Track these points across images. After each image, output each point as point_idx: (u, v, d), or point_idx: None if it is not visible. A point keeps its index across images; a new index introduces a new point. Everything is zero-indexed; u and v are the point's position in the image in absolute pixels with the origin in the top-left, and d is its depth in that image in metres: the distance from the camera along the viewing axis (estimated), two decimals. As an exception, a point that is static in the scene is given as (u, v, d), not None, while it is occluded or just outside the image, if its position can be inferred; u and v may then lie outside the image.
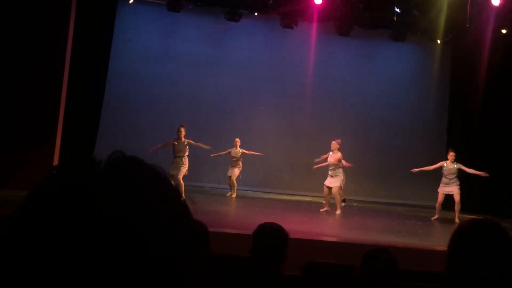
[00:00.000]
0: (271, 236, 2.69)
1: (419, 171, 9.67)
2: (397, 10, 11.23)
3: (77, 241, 0.52)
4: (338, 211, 9.07)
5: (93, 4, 10.57)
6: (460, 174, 9.49)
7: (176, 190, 0.63)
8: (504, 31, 11.06)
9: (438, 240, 6.92)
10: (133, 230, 0.54)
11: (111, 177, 0.57)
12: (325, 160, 9.45)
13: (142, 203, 0.57)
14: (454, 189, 9.35)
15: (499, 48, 11.25)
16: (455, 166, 9.39)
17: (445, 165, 9.46)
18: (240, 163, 10.51)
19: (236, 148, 10.53)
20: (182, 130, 9.20)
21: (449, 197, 9.62)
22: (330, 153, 9.36)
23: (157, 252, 0.55)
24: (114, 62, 11.59)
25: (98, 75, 11.23)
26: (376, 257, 2.92)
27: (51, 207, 0.53)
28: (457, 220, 8.95)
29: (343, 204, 9.87)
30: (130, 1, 11.96)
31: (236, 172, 10.44)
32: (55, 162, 9.03)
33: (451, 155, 9.49)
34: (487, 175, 9.28)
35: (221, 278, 2.69)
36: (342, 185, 9.37)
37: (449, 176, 9.38)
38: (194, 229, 0.64)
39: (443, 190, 9.43)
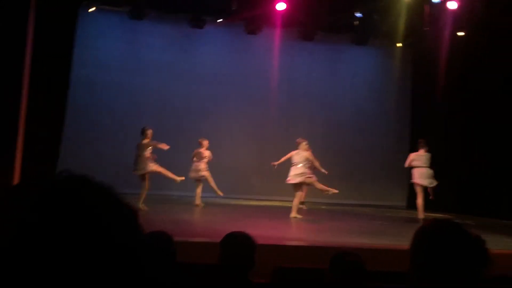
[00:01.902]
0: (238, 245, 2.68)
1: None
2: (358, 14, 11.46)
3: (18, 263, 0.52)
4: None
5: (52, 13, 10.35)
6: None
7: (126, 206, 0.63)
8: (461, 33, 11.42)
9: (406, 239, 7.04)
10: (78, 248, 0.54)
11: (58, 200, 0.58)
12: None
13: (88, 222, 0.56)
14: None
15: (457, 50, 11.61)
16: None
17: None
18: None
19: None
20: (148, 131, 9.22)
21: (414, 196, 9.80)
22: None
23: (105, 265, 0.55)
24: (76, 71, 11.37)
25: (60, 84, 10.99)
26: (344, 260, 2.95)
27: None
28: (422, 216, 9.11)
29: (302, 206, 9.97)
30: (90, 10, 11.77)
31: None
32: (17, 172, 8.82)
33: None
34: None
35: (188, 286, 2.66)
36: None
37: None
38: (143, 243, 0.64)
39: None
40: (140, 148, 9.19)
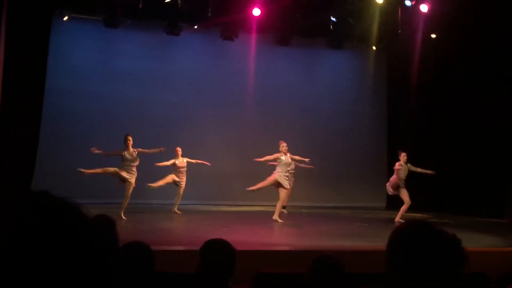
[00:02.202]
0: (218, 252, 2.68)
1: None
2: (333, 18, 11.59)
3: None
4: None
5: (24, 23, 10.21)
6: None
7: (86, 220, 0.65)
8: (433, 35, 11.65)
9: (385, 240, 7.11)
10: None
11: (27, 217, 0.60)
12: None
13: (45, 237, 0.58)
14: (405, 190, 9.65)
15: (430, 52, 11.84)
16: (407, 166, 9.68)
17: (401, 166, 9.61)
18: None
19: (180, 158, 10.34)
20: (130, 139, 9.10)
21: (393, 197, 9.95)
22: (288, 154, 9.43)
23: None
24: (50, 81, 11.21)
25: (34, 93, 10.83)
26: (324, 263, 2.98)
27: None
28: (398, 219, 9.19)
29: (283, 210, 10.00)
30: (65, 18, 11.64)
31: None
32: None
33: (403, 155, 9.71)
34: (433, 173, 9.67)
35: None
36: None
37: (404, 176, 9.65)
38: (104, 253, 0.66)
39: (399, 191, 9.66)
40: (131, 157, 9.13)
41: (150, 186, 9.72)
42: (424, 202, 11.58)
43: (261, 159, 9.40)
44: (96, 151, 9.04)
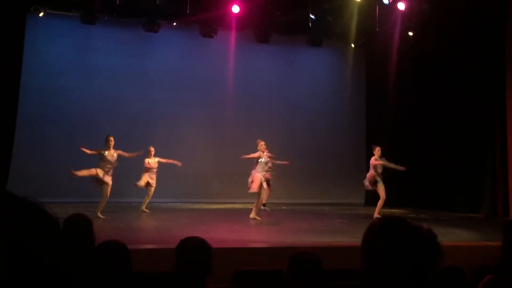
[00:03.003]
0: (193, 250, 2.66)
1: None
2: (312, 16, 11.62)
3: None
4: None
5: (-1, 18, 10.00)
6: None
7: (50, 219, 0.64)
8: (410, 33, 11.78)
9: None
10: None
11: None
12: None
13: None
14: (382, 185, 9.74)
15: (407, 49, 11.97)
16: (382, 160, 9.76)
17: (377, 160, 9.66)
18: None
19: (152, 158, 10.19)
20: (111, 139, 9.01)
21: (371, 193, 10.04)
22: (265, 153, 9.38)
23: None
24: (25, 78, 11.01)
25: (9, 90, 10.62)
26: (300, 259, 2.98)
27: None
28: (376, 215, 9.28)
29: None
30: (40, 14, 11.43)
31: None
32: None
33: (377, 150, 9.79)
34: (404, 168, 9.79)
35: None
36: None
37: (381, 170, 9.74)
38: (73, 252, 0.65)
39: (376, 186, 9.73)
40: (112, 158, 9.03)
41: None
42: (401, 198, 11.73)
43: (248, 156, 9.34)
44: (83, 149, 8.92)
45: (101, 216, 8.67)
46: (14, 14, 10.56)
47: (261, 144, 9.38)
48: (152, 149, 10.11)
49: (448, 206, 11.18)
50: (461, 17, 10.59)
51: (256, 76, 13.43)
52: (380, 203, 9.69)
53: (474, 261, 4.10)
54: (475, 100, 10.80)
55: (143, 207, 10.08)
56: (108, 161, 8.92)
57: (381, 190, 9.70)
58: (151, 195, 10.09)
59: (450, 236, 6.90)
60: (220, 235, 6.65)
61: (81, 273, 0.63)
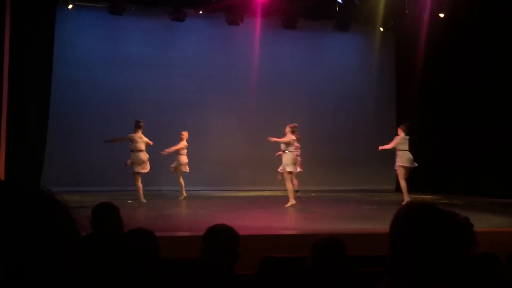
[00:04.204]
0: (220, 238, 2.68)
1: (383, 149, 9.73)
2: (339, 0, 11.43)
3: None
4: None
5: (29, 12, 10.21)
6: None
7: (59, 210, 0.64)
8: (441, 15, 11.46)
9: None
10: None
11: None
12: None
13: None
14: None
15: (437, 31, 11.65)
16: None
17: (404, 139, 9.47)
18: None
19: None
20: (141, 125, 9.29)
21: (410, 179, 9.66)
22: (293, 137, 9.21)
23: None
24: (57, 70, 11.26)
25: (41, 82, 10.90)
26: (322, 245, 2.96)
27: None
28: (406, 199, 9.01)
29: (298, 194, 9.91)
30: (69, 6, 11.62)
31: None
32: (1, 171, 8.79)
33: (399, 130, 9.58)
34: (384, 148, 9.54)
35: (171, 282, 2.67)
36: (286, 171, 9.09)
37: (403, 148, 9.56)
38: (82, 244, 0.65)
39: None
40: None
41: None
42: (433, 184, 11.52)
43: (277, 140, 9.21)
44: (108, 141, 9.31)
45: (144, 200, 9.04)
46: (44, 7, 10.79)
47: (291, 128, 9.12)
48: (185, 133, 10.11)
49: (480, 191, 10.93)
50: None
51: (283, 62, 13.34)
52: (403, 186, 9.42)
53: (509, 246, 4.00)
54: (511, 84, 10.46)
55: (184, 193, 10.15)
56: (138, 142, 9.13)
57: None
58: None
59: (484, 222, 6.75)
60: (249, 222, 6.69)
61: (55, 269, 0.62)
